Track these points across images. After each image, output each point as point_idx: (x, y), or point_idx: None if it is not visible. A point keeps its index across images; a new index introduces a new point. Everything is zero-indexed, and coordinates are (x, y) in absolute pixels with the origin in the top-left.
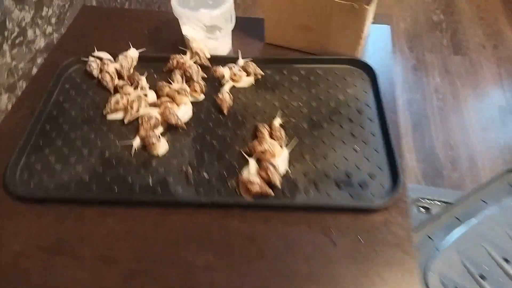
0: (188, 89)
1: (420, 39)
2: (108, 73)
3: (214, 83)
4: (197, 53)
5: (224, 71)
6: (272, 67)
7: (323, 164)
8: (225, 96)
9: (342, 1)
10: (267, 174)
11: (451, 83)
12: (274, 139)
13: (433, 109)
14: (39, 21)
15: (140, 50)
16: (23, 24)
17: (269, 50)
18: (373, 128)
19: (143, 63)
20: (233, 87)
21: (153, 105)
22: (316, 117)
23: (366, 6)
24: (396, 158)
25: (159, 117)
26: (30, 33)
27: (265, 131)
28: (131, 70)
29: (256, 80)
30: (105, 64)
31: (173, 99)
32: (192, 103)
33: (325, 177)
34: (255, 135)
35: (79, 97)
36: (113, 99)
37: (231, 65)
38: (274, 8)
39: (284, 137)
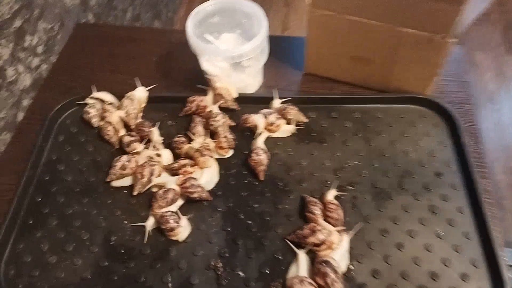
0: (212, 144)
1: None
2: (111, 124)
3: (244, 133)
4: (220, 95)
5: (257, 120)
6: (317, 109)
7: (398, 260)
8: (260, 157)
9: (416, 31)
10: (325, 283)
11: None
12: (330, 221)
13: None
14: (21, 55)
15: (150, 88)
16: (0, 62)
17: (310, 82)
18: (459, 201)
19: (153, 105)
20: (269, 137)
21: (169, 168)
22: (381, 183)
23: (451, 40)
24: (495, 248)
25: (177, 188)
26: (10, 72)
27: (317, 210)
28: (139, 117)
29: (298, 127)
30: (106, 112)
31: (194, 160)
32: (218, 160)
33: (402, 280)
34: (303, 212)
35: (77, 155)
36: (118, 164)
37: (266, 111)
38: (323, 34)
39: (343, 217)
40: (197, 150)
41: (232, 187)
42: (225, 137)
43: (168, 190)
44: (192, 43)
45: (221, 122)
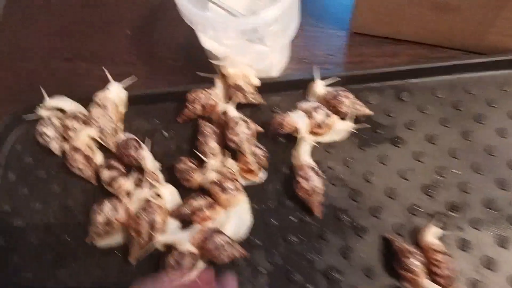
0: (235, 167)
1: None
2: (78, 150)
3: (276, 139)
4: (236, 85)
5: (297, 121)
6: (379, 90)
7: None
8: (312, 183)
9: None
10: None
11: None
12: (439, 281)
13: None
14: None
15: (127, 81)
16: None
17: (360, 47)
18: None
19: (136, 107)
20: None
21: (177, 215)
22: (498, 202)
23: None
24: None
25: (194, 250)
26: None
27: (416, 263)
28: (119, 130)
29: (356, 122)
30: (69, 130)
31: (211, 196)
32: (246, 188)
33: None
34: (387, 260)
35: (38, 201)
36: (99, 219)
37: (307, 105)
38: None
39: (455, 272)
40: (215, 183)
41: (274, 231)
42: (253, 154)
43: (182, 255)
44: (186, 13)
45: (246, 133)
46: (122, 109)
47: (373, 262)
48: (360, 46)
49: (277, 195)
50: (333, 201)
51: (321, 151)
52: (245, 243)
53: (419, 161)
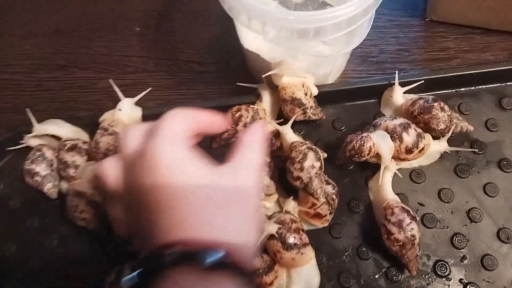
0: (294, 212)
1: None
2: (84, 195)
3: (345, 167)
4: (295, 99)
5: (381, 145)
6: (471, 95)
7: None
8: (406, 234)
9: None
10: None
11: None
12: None
13: None
14: None
15: (142, 95)
16: None
17: (440, 40)
18: None
19: None
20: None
21: None
22: None
23: None
24: None
25: None
26: None
27: None
28: None
29: (451, 142)
30: (69, 168)
31: (270, 255)
32: (309, 233)
33: None
34: None
35: (29, 261)
36: None
37: (393, 122)
38: None
39: None
40: (274, 236)
41: None
42: (324, 195)
43: None
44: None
45: (315, 167)
46: None
47: None
48: (441, 38)
49: (351, 244)
50: (429, 250)
51: (406, 181)
52: None
53: None
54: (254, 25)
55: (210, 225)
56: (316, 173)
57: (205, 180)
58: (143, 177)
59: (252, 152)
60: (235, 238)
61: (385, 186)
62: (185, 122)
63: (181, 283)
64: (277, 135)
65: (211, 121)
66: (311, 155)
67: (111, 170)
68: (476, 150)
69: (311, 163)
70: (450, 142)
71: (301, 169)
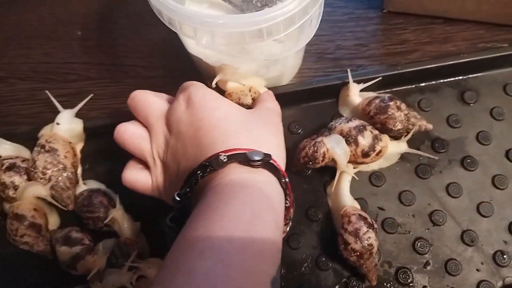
0: None
1: None
2: (25, 220)
3: (301, 174)
4: (242, 105)
5: (335, 151)
6: (432, 90)
7: None
8: (363, 243)
9: None
10: None
11: None
12: None
13: None
14: None
15: (81, 104)
16: None
17: (399, 32)
18: None
19: (102, 142)
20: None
21: None
22: None
23: None
24: None
25: None
26: None
27: None
28: (79, 183)
29: (411, 141)
30: (7, 190)
31: None
32: None
33: None
34: None
35: None
36: None
37: (347, 125)
38: None
39: None
40: None
41: None
42: None
43: None
44: (161, 8)
45: None
46: (79, 147)
47: None
48: (400, 30)
49: (310, 255)
50: (391, 257)
51: (365, 185)
52: None
53: (501, 188)
54: (185, 30)
55: (250, 137)
56: None
57: (240, 109)
58: (197, 114)
59: (271, 102)
60: (272, 148)
61: (342, 192)
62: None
63: (233, 176)
64: None
65: None
66: None
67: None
68: (438, 148)
69: None
70: (410, 141)
71: None
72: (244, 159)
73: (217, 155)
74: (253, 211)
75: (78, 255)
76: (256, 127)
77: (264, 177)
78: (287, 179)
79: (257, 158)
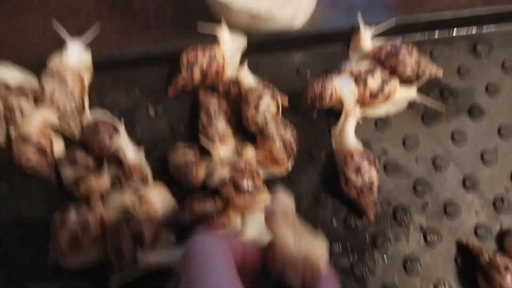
0: (252, 158)
1: None
2: (30, 142)
3: (309, 115)
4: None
5: (343, 90)
6: (448, 40)
7: None
8: (364, 177)
9: None
10: None
11: None
12: None
13: None
14: None
15: (90, 35)
16: None
17: None
18: None
19: (108, 76)
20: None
21: (174, 225)
22: None
23: None
24: None
25: None
26: None
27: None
28: (86, 112)
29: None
30: (13, 110)
31: (223, 199)
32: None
33: None
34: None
35: None
36: (61, 234)
37: (357, 66)
38: None
39: None
40: (229, 182)
41: None
42: (281, 140)
43: None
44: None
45: (272, 109)
46: (86, 76)
47: (447, 275)
48: None
49: (311, 191)
50: (390, 196)
51: (370, 128)
52: None
53: (505, 138)
54: None
55: None
56: (272, 116)
57: None
58: None
59: None
60: None
61: (347, 133)
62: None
63: None
64: (235, 81)
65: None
66: (266, 97)
67: None
68: (447, 97)
69: (266, 106)
70: (419, 89)
71: (256, 111)
72: None
73: None
74: None
75: (81, 176)
76: None
77: None
78: None
79: None
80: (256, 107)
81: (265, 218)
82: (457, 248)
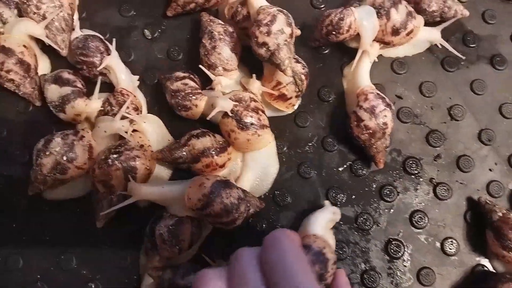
0: (258, 92)
1: None
2: (13, 55)
3: (318, 50)
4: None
5: (361, 23)
6: None
7: None
8: (378, 121)
9: None
10: None
11: None
12: None
13: None
14: None
15: None
16: None
17: None
18: None
19: None
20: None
21: (170, 161)
22: None
23: None
24: None
25: (189, 213)
26: None
27: None
28: (75, 28)
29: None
30: None
31: (224, 135)
32: (272, 120)
33: None
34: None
35: None
36: (45, 161)
37: None
38: None
39: None
40: (229, 114)
41: (312, 185)
42: (293, 74)
43: (181, 221)
44: None
45: (285, 34)
46: None
47: (455, 232)
48: None
49: (317, 134)
50: (401, 145)
51: (386, 70)
52: (268, 201)
53: None
54: None
55: None
56: (285, 40)
57: None
58: None
59: None
60: None
61: (361, 72)
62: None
63: None
64: (243, 3)
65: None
66: (281, 18)
67: None
68: (469, 43)
69: (280, 27)
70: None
71: (268, 33)
72: None
73: None
74: None
75: (68, 96)
76: None
77: None
78: None
79: None
80: (268, 28)
81: None
82: (468, 204)
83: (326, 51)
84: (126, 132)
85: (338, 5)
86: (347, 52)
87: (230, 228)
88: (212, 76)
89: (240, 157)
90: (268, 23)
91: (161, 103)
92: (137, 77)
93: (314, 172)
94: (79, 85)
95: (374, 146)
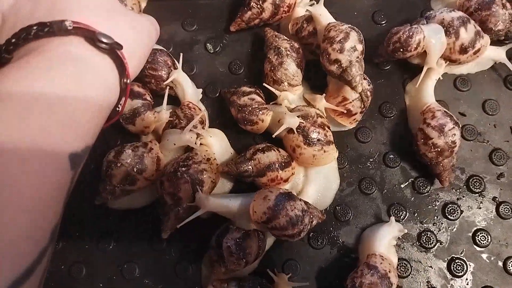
0: (323, 108)
1: None
2: None
3: (380, 66)
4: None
5: (432, 40)
6: None
7: None
8: (447, 139)
9: None
10: None
11: None
12: None
13: None
14: None
15: None
16: None
17: None
18: None
19: (163, 3)
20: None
21: (234, 174)
22: None
23: None
24: None
25: (253, 226)
26: None
27: None
28: None
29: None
30: None
31: (287, 150)
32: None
33: None
34: None
35: None
36: (115, 172)
37: (450, 14)
38: None
39: None
40: (296, 129)
41: (373, 201)
42: (361, 90)
43: (248, 234)
44: None
45: (357, 51)
46: (143, 1)
47: None
48: None
49: (379, 150)
50: (465, 163)
51: (448, 87)
52: (329, 216)
53: None
54: None
55: (108, 21)
56: (357, 57)
57: None
58: None
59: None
60: (128, 43)
61: (426, 89)
62: None
63: (71, 47)
64: (308, 19)
65: None
66: (353, 35)
67: None
68: None
69: (353, 45)
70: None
71: (341, 50)
72: (90, 35)
73: (62, 21)
74: (74, 83)
75: (138, 109)
76: (121, 19)
77: (103, 63)
78: (129, 81)
79: (104, 40)
80: (341, 45)
81: None
82: None
83: (388, 67)
84: (196, 144)
85: (399, 22)
86: (409, 68)
87: (294, 240)
88: (277, 92)
89: (302, 172)
90: (342, 40)
91: (222, 116)
92: (201, 90)
93: (375, 188)
94: (148, 98)
95: (440, 164)
